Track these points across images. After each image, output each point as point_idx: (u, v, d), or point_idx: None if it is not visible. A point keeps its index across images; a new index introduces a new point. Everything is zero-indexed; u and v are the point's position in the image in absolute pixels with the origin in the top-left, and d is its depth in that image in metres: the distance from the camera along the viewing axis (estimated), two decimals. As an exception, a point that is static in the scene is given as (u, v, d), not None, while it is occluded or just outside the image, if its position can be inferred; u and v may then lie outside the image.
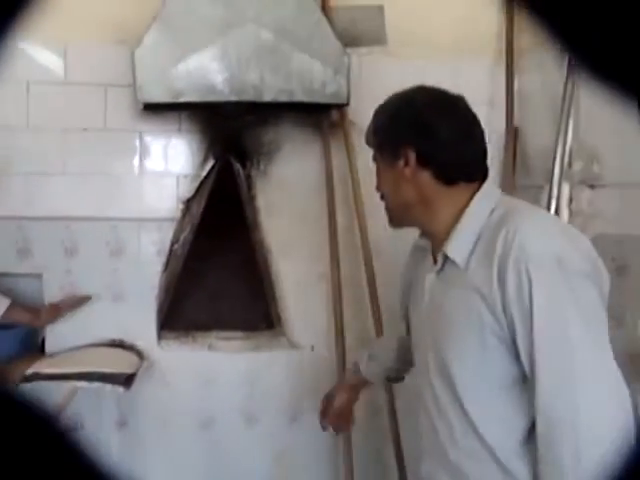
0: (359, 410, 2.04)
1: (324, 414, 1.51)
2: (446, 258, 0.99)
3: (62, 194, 1.96)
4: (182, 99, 1.82)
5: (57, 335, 1.96)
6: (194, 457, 2.09)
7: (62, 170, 1.96)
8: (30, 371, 1.75)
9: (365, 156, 2.05)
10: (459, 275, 0.97)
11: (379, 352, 1.47)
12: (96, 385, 1.74)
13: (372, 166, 2.05)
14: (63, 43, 1.96)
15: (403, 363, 1.37)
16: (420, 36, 2.05)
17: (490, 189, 1.03)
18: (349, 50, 1.91)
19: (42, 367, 1.79)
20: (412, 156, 0.99)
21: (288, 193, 2.04)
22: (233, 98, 1.85)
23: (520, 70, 2.08)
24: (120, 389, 1.75)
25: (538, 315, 0.86)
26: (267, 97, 1.85)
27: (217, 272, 2.12)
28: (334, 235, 2.01)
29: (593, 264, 0.90)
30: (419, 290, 1.12)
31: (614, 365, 0.86)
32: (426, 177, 1.00)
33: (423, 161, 0.99)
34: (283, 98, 1.86)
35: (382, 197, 1.10)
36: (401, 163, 1.01)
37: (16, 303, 1.85)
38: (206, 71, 1.82)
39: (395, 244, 2.12)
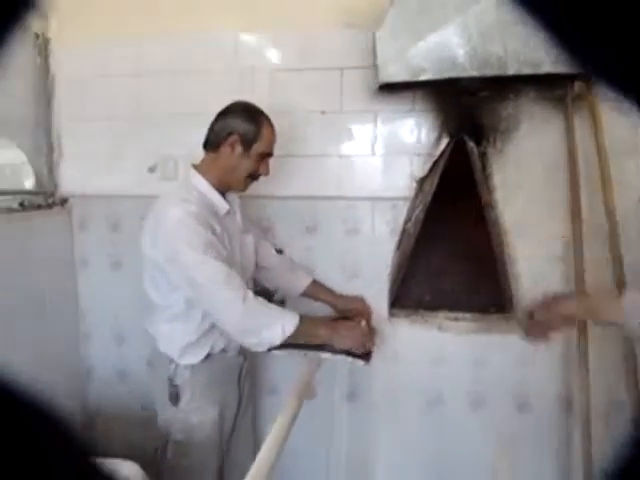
0: (601, 406, 1.92)
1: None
2: None
3: (304, 174, 2.06)
4: (422, 77, 1.81)
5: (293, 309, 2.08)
6: (419, 433, 2.12)
7: (303, 152, 2.06)
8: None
9: (612, 131, 1.93)
10: None
11: None
12: (339, 357, 1.79)
13: (621, 141, 1.92)
14: (301, 30, 2.04)
15: None
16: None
17: None
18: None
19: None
20: None
21: (526, 171, 1.95)
22: (475, 73, 1.79)
23: None
24: (361, 363, 1.80)
25: None
26: (511, 70, 1.76)
27: (447, 252, 2.11)
28: (577, 216, 1.88)
29: None
30: None
31: None
32: None
33: None
34: (527, 70, 1.77)
35: None
36: None
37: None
38: (447, 47, 1.78)
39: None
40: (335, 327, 1.85)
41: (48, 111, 2.28)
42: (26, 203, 2.20)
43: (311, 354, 1.82)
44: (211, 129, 1.66)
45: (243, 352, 1.81)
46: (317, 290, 2.02)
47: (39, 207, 2.24)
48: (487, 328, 2.04)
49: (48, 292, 2.21)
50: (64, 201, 2.31)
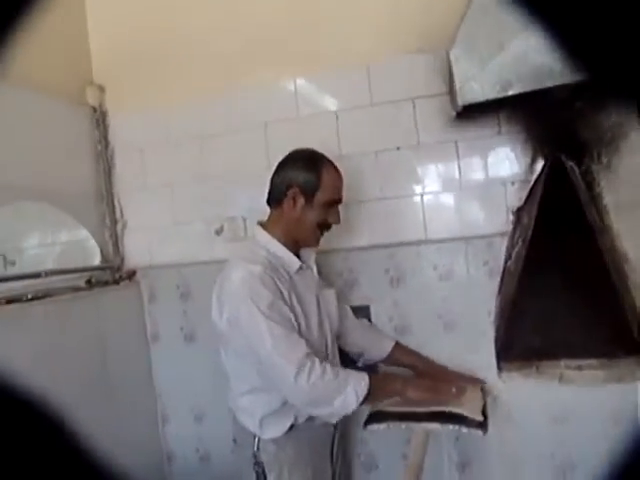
0: None
1: None
2: None
3: (385, 219, 1.86)
4: (512, 91, 1.59)
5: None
6: (550, 507, 1.79)
7: (381, 194, 1.87)
8: (377, 408, 1.59)
9: None
10: None
11: None
12: (451, 428, 1.52)
13: None
14: (366, 63, 1.89)
15: None
16: None
17: None
18: None
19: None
20: None
21: (642, 187, 1.68)
22: (566, 80, 1.56)
23: None
24: (479, 433, 1.51)
25: None
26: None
27: (556, 289, 1.82)
28: None
29: None
30: None
31: None
32: None
33: None
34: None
35: None
36: None
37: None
38: (534, 53, 1.56)
39: None
40: (408, 379, 1.67)
41: (109, 183, 2.20)
42: (93, 280, 2.09)
43: (414, 426, 1.56)
44: (272, 182, 1.54)
45: None
46: (403, 353, 1.80)
47: (106, 283, 2.14)
48: (619, 376, 1.72)
49: (121, 371, 2.08)
50: (132, 274, 2.20)
